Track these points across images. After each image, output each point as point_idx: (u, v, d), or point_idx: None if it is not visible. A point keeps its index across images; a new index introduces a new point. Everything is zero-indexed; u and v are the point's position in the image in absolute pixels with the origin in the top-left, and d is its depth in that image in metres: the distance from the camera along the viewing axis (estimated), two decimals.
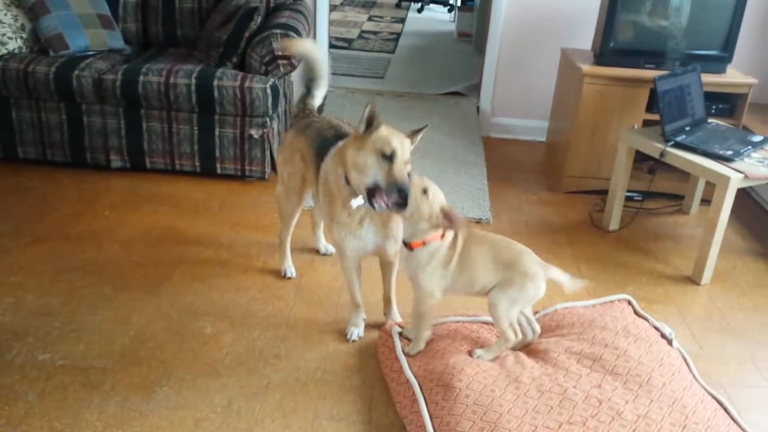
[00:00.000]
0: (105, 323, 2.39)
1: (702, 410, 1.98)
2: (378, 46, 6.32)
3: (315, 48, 2.58)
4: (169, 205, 3.26)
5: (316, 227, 2.91)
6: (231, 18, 3.60)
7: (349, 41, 6.48)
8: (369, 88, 4.88)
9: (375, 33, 6.87)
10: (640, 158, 3.38)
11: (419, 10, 8.13)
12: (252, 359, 2.27)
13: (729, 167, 2.77)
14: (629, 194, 3.38)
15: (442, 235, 2.11)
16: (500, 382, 2.02)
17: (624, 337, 2.23)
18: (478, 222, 3.26)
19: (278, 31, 3.40)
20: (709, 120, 3.27)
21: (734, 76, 3.48)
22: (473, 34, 6.42)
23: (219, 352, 2.29)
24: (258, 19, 3.51)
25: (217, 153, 3.49)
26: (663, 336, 2.29)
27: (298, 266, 2.79)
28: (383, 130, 2.02)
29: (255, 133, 3.42)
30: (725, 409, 2.04)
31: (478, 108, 4.48)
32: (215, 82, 3.32)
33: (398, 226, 2.20)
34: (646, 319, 2.38)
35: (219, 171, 3.53)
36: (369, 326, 2.46)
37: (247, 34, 3.48)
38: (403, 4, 8.41)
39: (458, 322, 2.38)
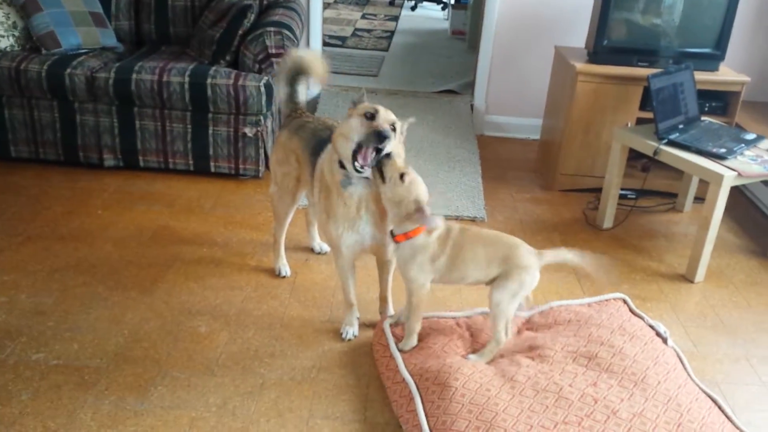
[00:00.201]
0: (99, 322, 2.38)
1: (697, 408, 1.98)
2: (372, 44, 6.31)
3: (317, 59, 2.58)
4: (162, 204, 3.25)
5: (311, 226, 2.91)
6: (224, 16, 3.59)
7: (343, 39, 6.46)
8: (363, 86, 4.87)
9: (369, 31, 6.86)
10: (634, 156, 3.39)
11: (413, 8, 8.12)
12: (247, 358, 2.26)
13: (722, 165, 2.78)
14: (623, 192, 3.39)
15: (429, 231, 2.10)
16: (496, 381, 2.02)
17: (619, 336, 2.24)
18: (473, 220, 3.26)
19: (272, 29, 3.39)
20: (703, 118, 3.28)
21: (727, 74, 3.49)
22: (467, 32, 6.42)
23: (214, 351, 2.29)
24: (251, 17, 3.50)
25: (211, 151, 3.48)
26: (658, 334, 2.30)
27: (292, 265, 2.79)
28: (365, 103, 2.14)
29: (249, 131, 3.41)
30: (719, 407, 2.04)
31: (472, 106, 4.48)
32: (209, 81, 3.31)
33: None
34: (641, 318, 2.38)
35: (213, 169, 3.52)
36: (364, 325, 2.46)
37: (240, 32, 3.47)
38: (397, 2, 8.40)
39: (453, 318, 2.38)
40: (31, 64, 3.33)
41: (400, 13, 7.85)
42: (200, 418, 2.00)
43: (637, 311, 2.42)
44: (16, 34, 3.55)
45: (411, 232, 2.09)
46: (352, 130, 2.08)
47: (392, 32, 6.87)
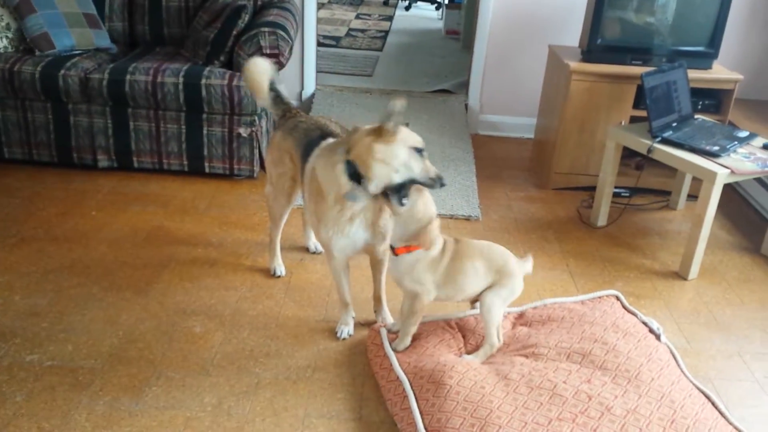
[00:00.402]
0: (93, 323, 2.38)
1: (690, 404, 1.99)
2: (366, 44, 6.32)
3: (258, 71, 2.50)
4: (157, 205, 3.25)
5: (307, 225, 2.91)
6: (218, 16, 3.59)
7: (337, 39, 6.47)
8: (357, 86, 4.88)
9: (363, 31, 6.86)
10: (628, 154, 3.40)
11: (407, 8, 8.13)
12: (242, 358, 2.26)
13: (715, 163, 2.80)
14: (617, 190, 3.40)
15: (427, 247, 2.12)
16: (490, 379, 2.03)
17: (613, 332, 2.24)
18: (468, 219, 3.27)
19: (266, 29, 3.39)
20: (696, 116, 3.29)
21: (720, 72, 3.50)
22: (461, 32, 6.43)
23: (209, 351, 2.29)
24: (245, 18, 3.50)
25: (206, 152, 3.48)
26: (651, 331, 2.31)
27: (287, 265, 2.79)
28: (405, 129, 2.02)
29: (243, 131, 3.41)
30: (713, 403, 2.05)
31: (466, 105, 4.49)
32: (203, 81, 3.31)
33: (387, 222, 2.20)
34: (635, 314, 2.39)
35: (207, 170, 3.52)
36: (359, 324, 2.47)
37: (234, 33, 3.47)
38: (391, 1, 8.41)
39: (445, 319, 2.39)
40: (24, 66, 3.33)
41: (394, 13, 7.86)
42: (195, 418, 2.00)
43: (631, 308, 2.44)
44: (10, 35, 3.55)
45: (412, 246, 2.11)
46: (401, 163, 1.97)
47: (386, 32, 6.88)
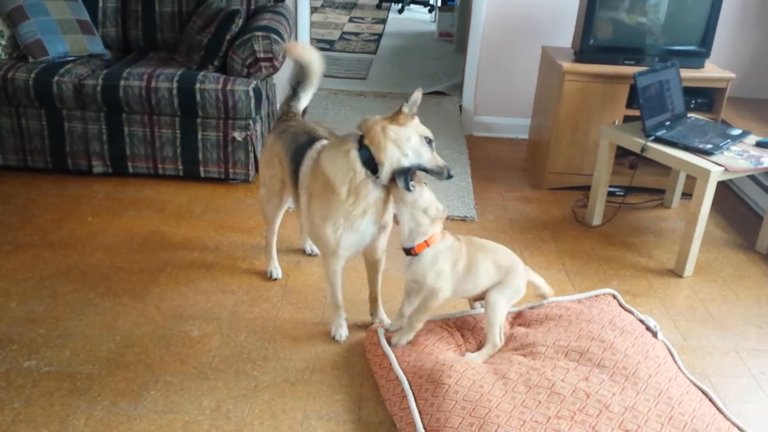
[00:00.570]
0: (90, 329, 2.38)
1: (687, 401, 2.00)
2: (360, 47, 6.33)
3: (317, 56, 2.54)
4: (152, 210, 3.24)
5: (304, 228, 2.91)
6: (212, 21, 3.59)
7: (331, 43, 6.48)
8: (352, 89, 4.89)
9: (356, 34, 6.88)
10: (622, 154, 3.41)
11: (400, 11, 8.15)
12: (240, 361, 2.26)
13: (709, 161, 2.81)
14: (611, 189, 3.41)
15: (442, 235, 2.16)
16: (489, 378, 2.03)
17: (610, 330, 2.25)
18: (463, 220, 3.27)
19: (260, 33, 3.40)
20: (689, 114, 3.31)
21: (712, 70, 3.52)
22: (454, 34, 6.44)
23: (206, 355, 2.28)
24: (239, 22, 3.50)
25: (200, 156, 3.48)
26: (648, 329, 2.32)
27: (284, 267, 2.79)
28: (417, 119, 2.09)
29: (238, 135, 3.42)
30: (710, 399, 2.06)
31: (460, 107, 4.50)
32: (197, 86, 3.31)
33: (390, 216, 2.24)
34: (631, 312, 2.40)
35: (202, 174, 3.52)
36: (357, 326, 2.47)
37: (228, 37, 3.48)
38: (384, 4, 8.42)
39: (443, 318, 2.39)
40: (18, 73, 3.33)
41: (387, 16, 7.87)
42: (194, 422, 2.00)
43: (627, 306, 2.44)
44: (3, 42, 3.54)
45: (430, 239, 2.13)
46: (412, 148, 2.03)
47: (380, 35, 6.90)
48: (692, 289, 2.83)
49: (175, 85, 3.31)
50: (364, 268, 2.46)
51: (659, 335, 2.30)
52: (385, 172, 2.05)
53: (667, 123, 3.13)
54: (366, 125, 2.07)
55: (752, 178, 3.56)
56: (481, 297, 2.26)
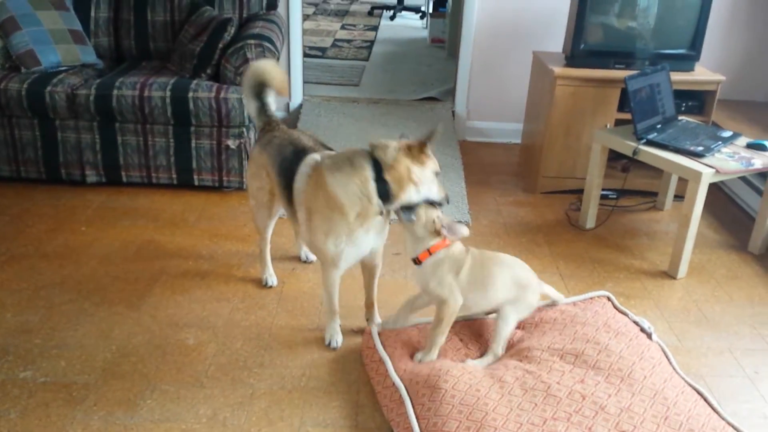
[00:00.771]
0: (86, 339, 2.37)
1: (683, 401, 2.01)
2: (352, 54, 6.35)
3: (270, 66, 2.54)
4: (146, 219, 3.24)
5: (299, 235, 2.91)
6: (204, 30, 3.60)
7: (323, 50, 6.49)
8: (344, 96, 4.90)
9: (348, 41, 6.89)
10: (614, 157, 3.43)
11: (392, 18, 8.17)
12: (236, 369, 2.26)
13: (700, 163, 2.83)
14: (604, 193, 3.43)
15: (447, 244, 2.17)
16: (485, 381, 2.03)
17: (605, 332, 2.26)
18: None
19: (252, 41, 3.41)
20: (680, 117, 3.33)
21: (702, 73, 3.55)
22: (446, 40, 6.47)
23: (202, 363, 2.28)
24: (231, 31, 3.51)
25: (194, 164, 3.48)
26: (642, 330, 2.33)
27: (279, 275, 2.79)
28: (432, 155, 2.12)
29: (232, 143, 3.42)
30: (705, 400, 2.07)
31: (453, 112, 4.52)
32: (190, 94, 3.32)
33: (387, 228, 2.28)
34: (626, 314, 2.41)
35: (196, 182, 3.52)
36: (352, 332, 2.47)
37: (221, 46, 3.49)
38: (376, 11, 8.45)
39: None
40: (10, 83, 3.33)
41: (379, 23, 7.90)
42: (190, 431, 2.00)
43: (622, 308, 2.46)
44: None
45: (432, 248, 2.15)
46: (426, 185, 2.09)
47: (372, 42, 6.92)
48: (686, 291, 2.85)
49: (168, 93, 3.32)
50: (359, 274, 2.46)
51: (654, 336, 2.31)
52: (396, 206, 2.11)
53: (659, 126, 3.15)
54: (387, 157, 2.05)
55: (743, 179, 3.59)
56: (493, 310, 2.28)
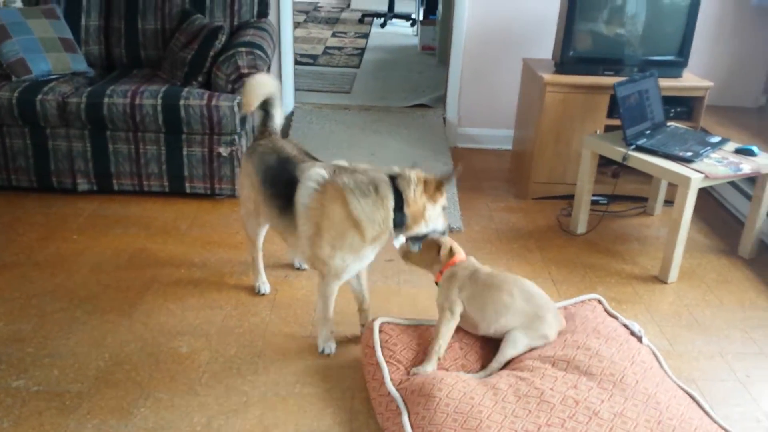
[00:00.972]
0: (79, 347, 2.36)
1: (675, 405, 2.02)
2: (343, 62, 6.36)
3: (270, 82, 2.54)
4: (138, 227, 3.24)
5: (292, 246, 2.88)
6: (195, 38, 3.60)
7: (314, 57, 6.51)
8: (336, 103, 4.91)
9: (339, 49, 6.91)
10: (604, 162, 3.46)
11: (382, 25, 8.21)
12: (230, 376, 2.26)
13: (689, 168, 2.86)
14: (595, 198, 3.46)
15: (455, 262, 2.27)
16: (479, 389, 2.04)
17: (595, 338, 2.27)
18: (450, 231, 3.29)
19: (243, 49, 3.42)
20: (669, 123, 3.36)
21: (691, 79, 3.58)
22: (436, 47, 6.50)
23: (196, 371, 2.28)
24: (222, 38, 3.52)
25: (186, 172, 3.48)
26: (633, 334, 2.34)
27: (272, 282, 2.79)
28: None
29: (223, 151, 3.42)
30: (697, 403, 2.08)
31: (444, 119, 4.54)
32: (181, 102, 3.32)
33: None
34: (616, 318, 2.43)
35: (188, 190, 3.52)
36: (348, 338, 2.47)
37: (212, 53, 3.49)
38: (366, 19, 8.48)
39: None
40: (1, 92, 3.32)
41: (370, 31, 7.93)
42: None
43: (612, 311, 2.47)
44: None
45: (444, 267, 2.27)
46: (434, 220, 2.20)
47: (363, 49, 6.94)
48: (677, 295, 2.87)
49: (159, 101, 3.32)
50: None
51: (644, 339, 2.32)
52: (405, 235, 2.22)
53: (648, 132, 3.18)
54: (410, 192, 2.12)
55: (732, 184, 3.62)
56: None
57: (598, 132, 3.47)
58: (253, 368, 2.30)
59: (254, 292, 2.74)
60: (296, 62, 4.90)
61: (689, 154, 2.95)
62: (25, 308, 2.57)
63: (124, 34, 3.89)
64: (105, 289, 2.72)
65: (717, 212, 3.69)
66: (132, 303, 2.64)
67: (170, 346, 2.39)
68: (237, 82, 3.41)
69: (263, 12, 4.00)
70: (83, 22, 3.86)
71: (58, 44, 3.64)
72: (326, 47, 6.96)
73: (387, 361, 2.20)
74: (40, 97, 3.33)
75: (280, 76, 4.36)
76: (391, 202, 2.12)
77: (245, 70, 3.39)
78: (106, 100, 3.32)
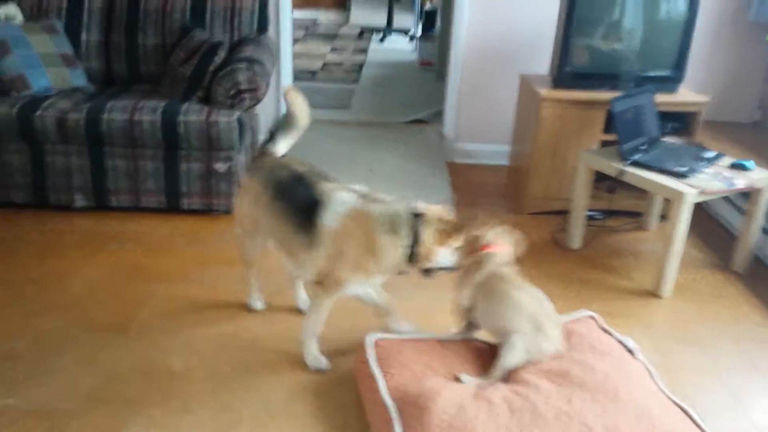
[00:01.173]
0: (72, 364, 2.36)
1: (668, 420, 2.02)
2: (342, 77, 6.40)
3: (305, 109, 2.54)
4: (134, 243, 3.24)
5: (296, 272, 2.73)
6: (195, 53, 3.63)
7: (313, 73, 6.55)
8: (335, 119, 4.94)
9: (338, 64, 6.95)
10: (600, 178, 3.46)
11: (381, 41, 8.25)
12: (223, 394, 2.25)
13: (684, 183, 2.86)
14: (590, 213, 3.46)
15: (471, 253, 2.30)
16: (473, 402, 2.03)
17: (590, 354, 2.27)
18: None
19: (243, 64, 3.44)
20: (664, 138, 3.37)
21: (686, 95, 3.60)
22: (435, 63, 6.53)
23: (189, 388, 2.28)
24: (222, 54, 3.54)
25: (183, 188, 3.49)
26: (627, 350, 2.34)
27: (266, 298, 2.78)
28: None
29: (221, 167, 3.43)
30: (690, 418, 2.07)
31: (441, 134, 4.56)
32: (180, 118, 3.34)
33: None
34: (610, 334, 2.42)
35: (185, 206, 3.53)
36: (341, 353, 2.46)
37: (211, 69, 3.51)
38: (365, 34, 8.53)
39: (440, 340, 2.39)
40: (0, 107, 3.33)
41: (368, 46, 7.97)
42: None
43: (606, 327, 2.46)
44: None
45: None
46: (446, 258, 2.25)
47: (362, 65, 6.98)
48: (671, 309, 2.87)
49: (158, 117, 3.33)
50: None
51: (639, 355, 2.32)
52: (415, 268, 2.28)
53: (643, 147, 3.19)
54: (426, 237, 2.19)
55: (726, 199, 3.62)
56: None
57: (594, 147, 3.47)
58: (246, 385, 2.30)
59: (248, 308, 2.74)
60: (295, 78, 4.93)
61: (684, 169, 2.95)
62: (20, 326, 2.57)
63: (125, 49, 3.91)
64: (100, 306, 2.72)
65: (711, 227, 3.69)
66: (127, 319, 2.64)
67: (163, 363, 2.39)
68: (236, 98, 3.43)
69: (263, 27, 4.02)
70: (84, 37, 3.89)
71: (58, 59, 3.67)
72: (325, 62, 7.00)
73: (382, 372, 2.19)
74: (39, 113, 3.34)
75: (279, 92, 4.39)
76: (409, 241, 2.20)
77: (244, 86, 3.40)
78: (105, 115, 3.34)
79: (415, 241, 2.18)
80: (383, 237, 2.19)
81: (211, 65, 3.51)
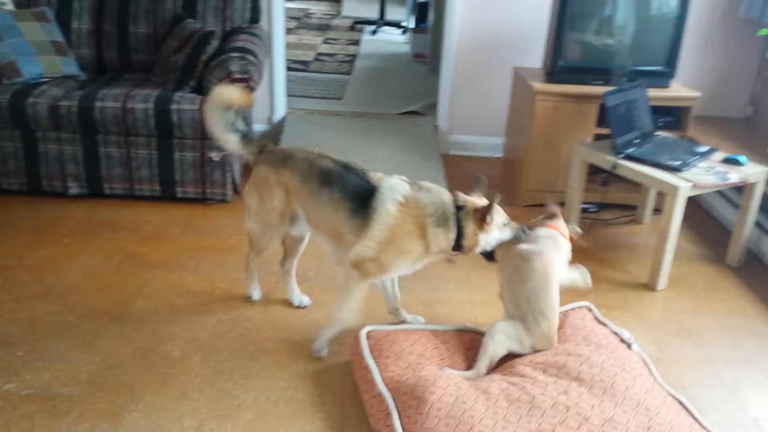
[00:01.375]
0: (70, 351, 2.35)
1: (665, 411, 2.04)
2: (334, 68, 6.38)
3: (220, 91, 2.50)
4: (129, 231, 3.23)
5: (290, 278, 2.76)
6: (187, 42, 3.61)
7: (306, 63, 6.52)
8: (328, 109, 4.92)
9: (331, 55, 6.93)
10: (594, 171, 3.49)
11: (374, 33, 8.23)
12: (221, 381, 2.26)
13: (678, 177, 2.89)
14: (584, 206, 3.48)
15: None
16: (470, 393, 2.05)
17: (585, 346, 2.29)
18: None
19: (235, 54, 3.42)
20: (657, 132, 3.40)
21: (679, 90, 3.63)
22: (428, 55, 6.53)
23: (188, 375, 2.27)
24: (214, 43, 3.53)
25: (177, 177, 3.47)
26: (622, 341, 2.36)
27: (263, 287, 2.78)
28: (495, 209, 2.34)
29: (215, 155, 3.42)
30: (687, 409, 2.10)
31: (435, 127, 4.56)
32: (173, 106, 3.32)
33: None
34: (606, 325, 2.45)
35: (179, 195, 3.51)
36: (339, 343, 2.47)
37: (204, 58, 3.50)
38: (357, 26, 8.50)
39: (433, 330, 2.41)
40: None
41: (361, 38, 7.95)
42: None
43: (602, 319, 2.49)
44: None
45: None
46: (491, 242, 2.35)
47: (354, 56, 6.96)
48: (666, 302, 2.90)
49: (151, 105, 3.31)
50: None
51: (634, 347, 2.35)
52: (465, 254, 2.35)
53: (637, 141, 3.21)
54: (467, 230, 2.28)
55: (720, 193, 3.66)
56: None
57: (587, 140, 3.49)
58: (245, 373, 2.30)
59: (246, 296, 2.73)
60: (288, 68, 4.91)
61: (677, 163, 2.98)
62: (16, 312, 2.56)
63: (116, 38, 3.88)
64: (96, 293, 2.71)
65: (705, 221, 3.73)
66: (123, 307, 2.63)
67: (162, 350, 2.39)
68: None
69: (255, 18, 4.00)
70: (75, 25, 3.85)
71: (49, 47, 3.63)
72: (318, 54, 6.98)
73: (376, 362, 2.21)
74: (31, 100, 3.31)
75: (271, 82, 4.37)
76: (454, 235, 2.27)
77: (237, 75, 3.39)
78: (97, 103, 3.31)
79: (460, 233, 2.27)
80: (432, 229, 2.26)
81: (203, 54, 3.50)
